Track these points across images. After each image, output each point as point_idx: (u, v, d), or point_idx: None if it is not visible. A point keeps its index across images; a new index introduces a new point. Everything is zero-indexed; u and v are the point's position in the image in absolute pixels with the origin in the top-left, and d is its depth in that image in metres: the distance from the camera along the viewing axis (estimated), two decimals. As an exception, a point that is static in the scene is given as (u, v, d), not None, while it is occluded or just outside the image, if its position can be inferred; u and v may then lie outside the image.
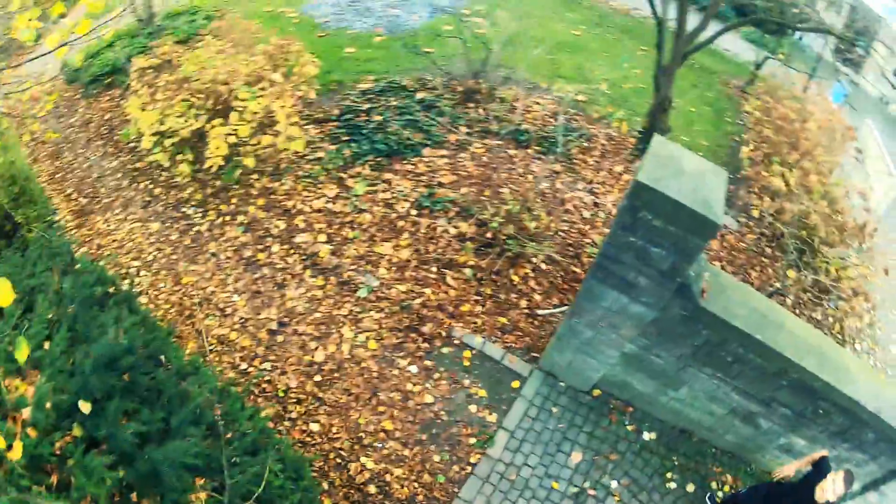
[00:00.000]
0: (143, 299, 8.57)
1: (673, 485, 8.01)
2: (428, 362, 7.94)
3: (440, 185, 9.06)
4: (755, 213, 9.83)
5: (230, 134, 8.37)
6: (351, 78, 10.94)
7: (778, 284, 9.21)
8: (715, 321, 6.41)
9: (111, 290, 5.70)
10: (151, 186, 9.69)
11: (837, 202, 9.44)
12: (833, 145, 11.09)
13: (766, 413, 7.48)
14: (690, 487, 8.04)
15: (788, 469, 6.73)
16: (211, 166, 8.51)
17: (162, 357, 5.27)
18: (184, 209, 9.23)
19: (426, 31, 12.94)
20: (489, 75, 10.75)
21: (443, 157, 9.51)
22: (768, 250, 10.42)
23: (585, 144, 10.67)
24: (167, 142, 8.74)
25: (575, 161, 10.23)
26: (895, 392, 7.80)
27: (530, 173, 9.38)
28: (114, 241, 9.36)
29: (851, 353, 10.58)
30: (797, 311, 9.76)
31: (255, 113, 8.50)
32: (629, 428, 8.10)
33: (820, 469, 6.28)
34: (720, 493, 8.17)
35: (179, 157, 8.90)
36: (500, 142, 9.82)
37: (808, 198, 9.27)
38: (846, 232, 9.23)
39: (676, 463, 8.13)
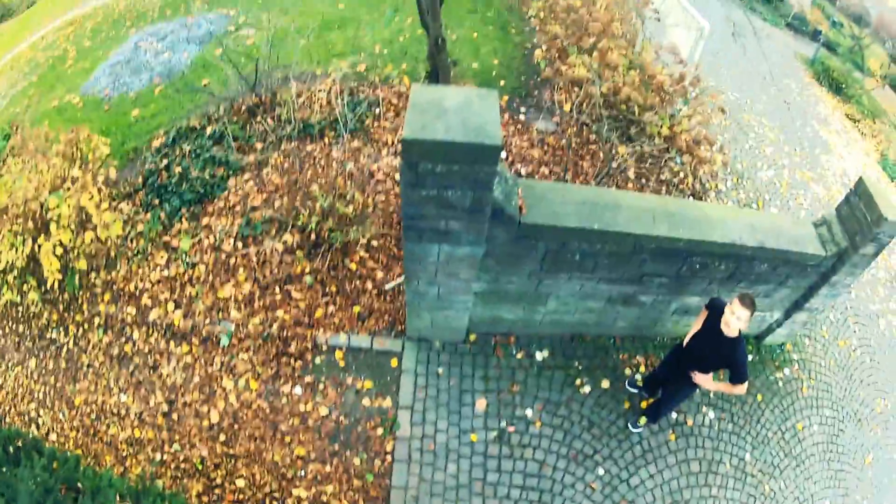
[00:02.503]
0: (52, 436, 8.47)
1: (587, 388, 8.19)
2: (308, 378, 7.96)
3: (253, 209, 8.97)
4: (567, 108, 9.79)
5: (56, 245, 8.21)
6: (144, 140, 10.73)
7: (615, 164, 9.19)
8: (544, 230, 6.40)
9: (19, 443, 5.72)
10: (15, 326, 9.49)
11: (647, 68, 9.41)
12: (628, 16, 11.07)
13: (643, 290, 7.59)
14: (605, 384, 8.29)
15: (693, 328, 6.81)
16: (52, 283, 8.35)
17: (79, 484, 5.32)
18: (48, 335, 9.05)
19: (198, 63, 12.73)
20: (266, 83, 10.58)
21: (247, 181, 9.40)
22: (592, 137, 10.44)
23: (377, 111, 10.58)
24: (9, 277, 8.61)
25: (371, 131, 10.15)
26: (770, 218, 8.03)
27: (332, 161, 9.29)
28: (6, 393, 9.21)
29: (715, 197, 10.75)
30: (643, 182, 9.88)
31: (70, 216, 8.32)
32: (519, 356, 8.23)
33: (714, 308, 6.36)
34: (638, 377, 8.27)
35: (25, 286, 8.72)
36: (295, 143, 9.69)
37: (614, 74, 9.23)
38: (665, 91, 9.21)
39: (581, 367, 8.37)
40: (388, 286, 8.33)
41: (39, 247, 8.23)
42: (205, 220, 9.14)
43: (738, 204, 11.43)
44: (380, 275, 8.49)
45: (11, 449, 5.54)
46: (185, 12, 14.95)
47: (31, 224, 8.44)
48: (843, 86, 21.29)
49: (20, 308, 9.38)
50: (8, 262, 8.44)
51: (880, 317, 11.08)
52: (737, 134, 13.29)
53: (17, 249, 8.38)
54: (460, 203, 5.62)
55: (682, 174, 10.26)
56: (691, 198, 10.68)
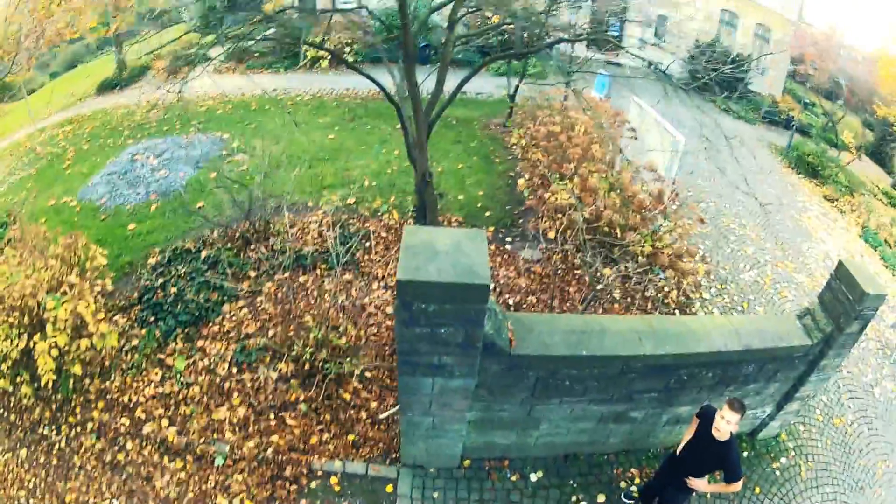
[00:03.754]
0: None
1: None
2: (303, 502, 8.08)
3: (248, 336, 9.34)
4: (552, 236, 10.12)
5: (52, 347, 8.38)
6: (139, 256, 11.13)
7: (600, 286, 9.50)
8: (533, 360, 6.65)
9: None
10: (7, 414, 9.56)
11: (627, 188, 9.79)
12: (607, 138, 11.48)
13: (633, 406, 7.77)
14: (601, 498, 8.32)
15: (685, 437, 6.98)
16: (46, 382, 8.49)
17: None
18: (39, 430, 9.15)
19: (194, 185, 13.15)
20: (260, 212, 10.97)
21: (241, 308, 9.82)
22: (577, 262, 10.83)
23: (367, 244, 11.00)
24: (3, 366, 8.69)
25: (362, 264, 10.55)
26: (753, 320, 8.26)
27: (325, 293, 9.58)
28: None
29: (700, 306, 11.03)
30: (629, 301, 10.13)
31: (66, 320, 8.51)
32: (513, 478, 8.31)
33: (705, 416, 6.53)
34: (633, 488, 8.40)
35: (18, 379, 8.83)
36: (287, 273, 10.05)
37: (595, 198, 9.58)
38: (646, 209, 9.55)
39: (576, 485, 8.40)
40: (382, 416, 8.63)
41: (35, 344, 8.40)
42: (199, 343, 9.49)
43: (723, 309, 11.77)
44: (374, 405, 8.81)
45: None
46: (181, 130, 15.30)
47: (26, 319, 8.62)
48: (819, 168, 21.99)
49: (13, 398, 9.45)
50: (2, 352, 8.55)
51: (875, 385, 11.27)
52: (718, 240, 13.70)
53: (11, 341, 8.51)
54: (453, 339, 5.86)
55: (666, 289, 10.64)
56: (677, 311, 11.04)
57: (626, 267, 9.39)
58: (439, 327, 5.72)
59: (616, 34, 27.19)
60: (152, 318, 9.84)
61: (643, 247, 9.38)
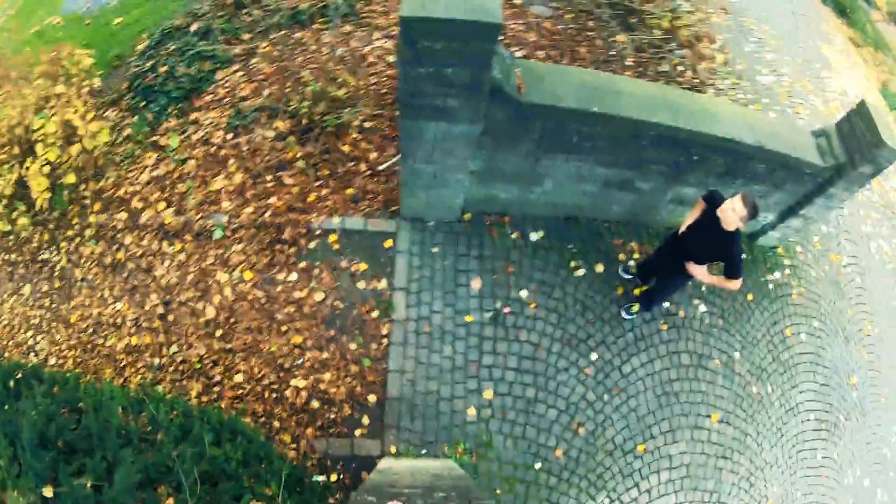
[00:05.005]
0: (51, 360, 8.40)
1: (581, 271, 8.10)
2: (303, 264, 7.81)
3: (243, 99, 8.78)
4: None
5: (43, 165, 8.07)
6: (128, 46, 10.47)
7: (613, 52, 9.03)
8: (542, 110, 6.30)
9: (19, 375, 5.78)
10: (7, 256, 9.39)
11: None
12: None
13: (640, 176, 7.46)
14: (600, 268, 8.19)
15: (689, 218, 6.72)
16: (42, 205, 8.24)
17: (80, 404, 5.33)
18: (40, 257, 8.93)
19: None
20: None
21: (236, 72, 9.19)
22: (591, 23, 10.24)
23: None
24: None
25: (363, 14, 9.92)
26: (770, 121, 7.94)
27: (323, 46, 9.12)
28: (3, 326, 9.12)
29: (714, 95, 10.63)
30: (641, 72, 9.67)
31: (56, 133, 8.16)
32: (514, 236, 8.12)
33: (712, 201, 6.23)
34: (632, 263, 8.18)
35: (14, 214, 8.58)
36: (284, 31, 9.50)
37: None
38: None
39: (575, 250, 8.26)
40: (382, 166, 8.15)
41: (27, 169, 8.09)
42: (193, 116, 8.91)
43: (737, 103, 11.20)
44: (373, 155, 8.29)
45: (12, 383, 5.56)
46: None
47: (16, 149, 8.28)
48: (849, 10, 21.14)
49: (10, 238, 9.26)
50: (-3, 192, 8.28)
51: (871, 239, 10.92)
52: (738, 36, 13.00)
53: (3, 178, 8.24)
54: (458, 80, 5.50)
55: (680, 68, 10.09)
56: (690, 91, 10.45)
57: (642, 37, 8.92)
58: (445, 67, 5.34)
59: None
60: (143, 103, 9.16)
61: (661, 20, 8.91)
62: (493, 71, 5.62)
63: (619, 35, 8.65)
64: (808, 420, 8.55)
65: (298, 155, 8.20)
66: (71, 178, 8.39)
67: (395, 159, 8.01)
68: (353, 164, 8.23)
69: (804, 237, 9.68)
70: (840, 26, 19.38)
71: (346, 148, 8.29)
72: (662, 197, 7.91)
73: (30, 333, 8.66)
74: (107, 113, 9.32)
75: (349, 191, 8.08)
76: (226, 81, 9.11)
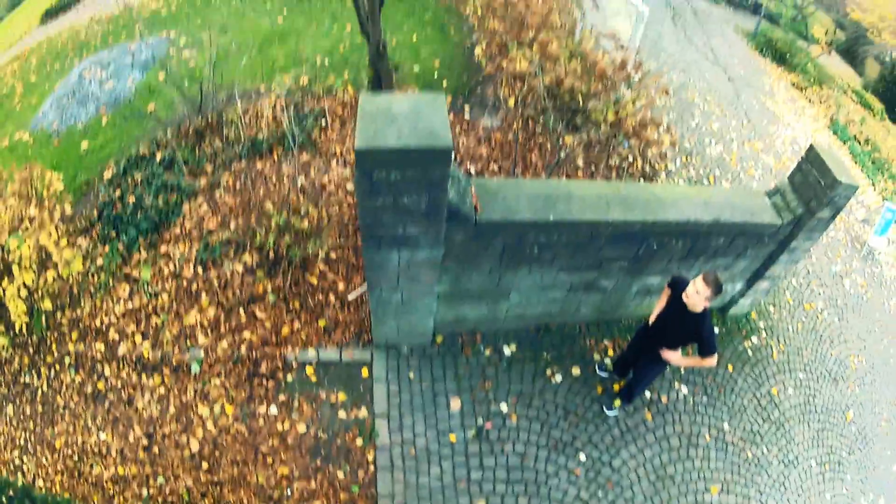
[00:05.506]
0: (38, 482, 8.38)
1: (558, 377, 8.30)
2: (282, 397, 7.92)
3: (210, 232, 8.93)
4: (511, 103, 9.70)
5: (20, 288, 8.14)
6: (95, 172, 10.62)
7: (563, 154, 9.15)
8: (500, 226, 6.50)
9: (10, 493, 6.10)
10: None
11: (589, 56, 9.34)
12: (566, 6, 11.04)
13: (603, 274, 7.72)
14: (576, 370, 8.38)
15: (657, 307, 6.91)
16: (20, 327, 8.29)
17: None
18: (21, 380, 8.95)
19: (143, 89, 12.61)
20: (212, 104, 10.49)
21: (201, 204, 9.33)
22: (539, 130, 10.41)
23: (323, 122, 10.51)
24: None
25: (320, 144, 10.09)
26: (723, 192, 8.13)
27: (283, 176, 9.22)
28: None
29: (665, 178, 10.81)
30: (593, 169, 9.89)
31: (30, 256, 8.23)
32: (487, 353, 8.35)
33: (676, 286, 6.44)
34: (607, 360, 8.31)
35: None
36: (245, 162, 9.60)
37: (556, 65, 9.15)
38: (608, 77, 9.14)
39: (550, 357, 8.51)
40: (351, 296, 8.29)
41: (4, 290, 8.14)
42: (163, 248, 9.07)
43: (688, 182, 11.58)
44: (341, 286, 8.47)
45: (4, 499, 5.61)
46: (126, 38, 14.80)
47: None
48: (788, 55, 21.42)
49: None
50: (-28, 310, 8.30)
51: (843, 277, 11.29)
52: (682, 113, 13.40)
53: None
54: (416, 207, 5.65)
55: (630, 158, 10.44)
56: (642, 180, 10.83)
57: (588, 135, 9.03)
58: (402, 195, 5.51)
59: None
60: (114, 233, 9.31)
61: (606, 115, 9.00)
62: (449, 195, 5.78)
63: (566, 136, 8.73)
64: (810, 467, 8.69)
65: (268, 288, 8.36)
66: (47, 304, 8.51)
67: (362, 289, 8.12)
68: (322, 294, 8.44)
69: (775, 295, 9.95)
70: (782, 74, 19.94)
71: (313, 280, 8.47)
72: (628, 291, 8.16)
73: (16, 453, 8.65)
74: (79, 240, 9.37)
75: (321, 322, 8.24)
76: (192, 214, 9.24)
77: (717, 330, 8.94)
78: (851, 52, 33.92)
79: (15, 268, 8.14)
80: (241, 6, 15.80)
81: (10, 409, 8.86)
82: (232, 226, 8.75)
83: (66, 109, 12.70)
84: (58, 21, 20.96)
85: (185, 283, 8.69)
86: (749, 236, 7.71)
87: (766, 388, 8.93)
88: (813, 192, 7.47)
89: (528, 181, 7.27)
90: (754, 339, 9.37)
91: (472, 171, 10.01)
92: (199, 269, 8.72)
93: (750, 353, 9.20)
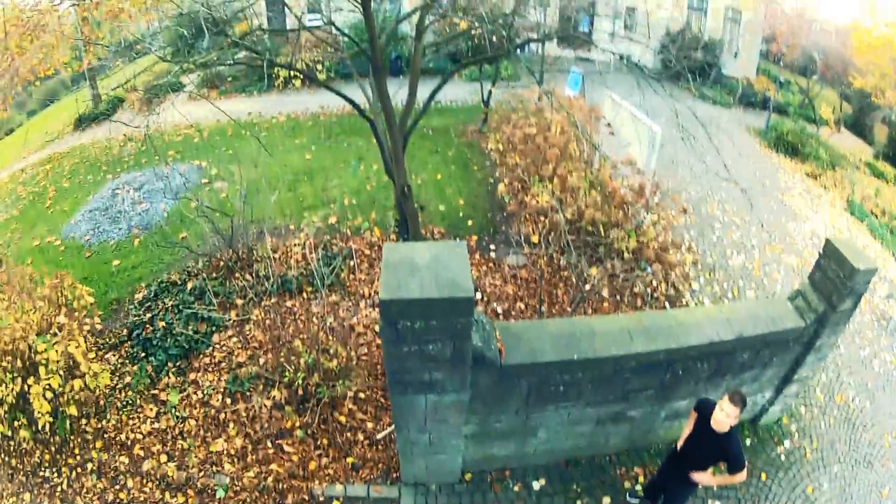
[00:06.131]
0: None
1: None
2: (308, 529, 8.06)
3: (239, 365, 9.38)
4: (535, 240, 10.09)
5: (46, 389, 8.37)
6: (126, 291, 11.16)
7: (588, 287, 9.51)
8: (524, 368, 6.62)
9: None
10: (7, 459, 9.53)
11: (607, 184, 9.81)
12: (583, 135, 11.54)
13: (630, 405, 7.73)
14: (606, 500, 8.27)
15: (685, 432, 6.93)
16: (44, 425, 8.50)
17: None
18: (41, 473, 9.11)
19: (175, 216, 13.19)
20: (242, 238, 11.07)
21: (230, 337, 9.83)
22: (563, 263, 10.91)
23: (352, 263, 11.15)
24: (0, 411, 8.62)
25: (347, 284, 10.54)
26: (745, 306, 8.16)
27: (312, 316, 9.62)
28: None
29: (690, 297, 11.02)
30: (618, 298, 10.12)
31: (57, 361, 8.52)
32: (516, 489, 8.28)
33: (702, 410, 6.48)
34: (638, 487, 8.39)
35: (16, 423, 8.81)
36: (274, 299, 10.09)
37: (575, 198, 9.59)
38: (628, 203, 9.57)
39: (580, 490, 8.36)
40: (379, 435, 8.63)
41: (29, 387, 8.39)
42: (192, 376, 9.50)
43: (713, 297, 11.79)
44: (370, 425, 8.80)
45: None
46: (158, 161, 15.32)
47: (19, 362, 8.58)
48: (799, 145, 22.20)
49: (12, 443, 9.44)
50: (-2, 396, 8.63)
51: (874, 358, 11.28)
52: (703, 228, 13.71)
53: (6, 386, 8.48)
54: (441, 355, 5.82)
55: (654, 283, 10.71)
56: (667, 304, 11.09)
57: (612, 265, 9.41)
58: (427, 343, 5.68)
59: (586, 29, 27.36)
60: (143, 354, 9.84)
61: (628, 243, 9.39)
62: (473, 340, 5.97)
63: (591, 269, 9.13)
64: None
65: (297, 424, 8.73)
66: (73, 410, 8.77)
67: (390, 429, 8.41)
68: (350, 432, 8.77)
69: (805, 395, 9.94)
70: (795, 166, 20.44)
71: (342, 418, 8.83)
72: (657, 417, 8.21)
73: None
74: (108, 355, 9.70)
75: (349, 459, 8.55)
76: (222, 345, 9.67)
77: (748, 441, 9.07)
78: (859, 123, 34.64)
79: (42, 369, 8.43)
80: (270, 139, 16.41)
81: (27, 496, 8.99)
82: (261, 361, 9.15)
83: (98, 224, 13.27)
84: (91, 130, 21.73)
85: (212, 412, 9.07)
86: (774, 345, 7.68)
87: (800, 489, 8.79)
88: (833, 286, 7.41)
89: (551, 322, 7.52)
90: (787, 443, 9.28)
91: (499, 310, 10.39)
92: (228, 400, 9.14)
93: (783, 458, 9.09)
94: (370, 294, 10.36)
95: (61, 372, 8.53)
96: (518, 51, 16.66)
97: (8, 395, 8.44)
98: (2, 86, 20.71)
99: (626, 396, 7.48)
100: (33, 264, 11.05)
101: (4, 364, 8.53)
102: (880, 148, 31.92)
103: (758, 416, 9.24)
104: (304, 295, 10.33)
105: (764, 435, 9.30)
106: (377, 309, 9.76)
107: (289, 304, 10.23)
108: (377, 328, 9.58)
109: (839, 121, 30.70)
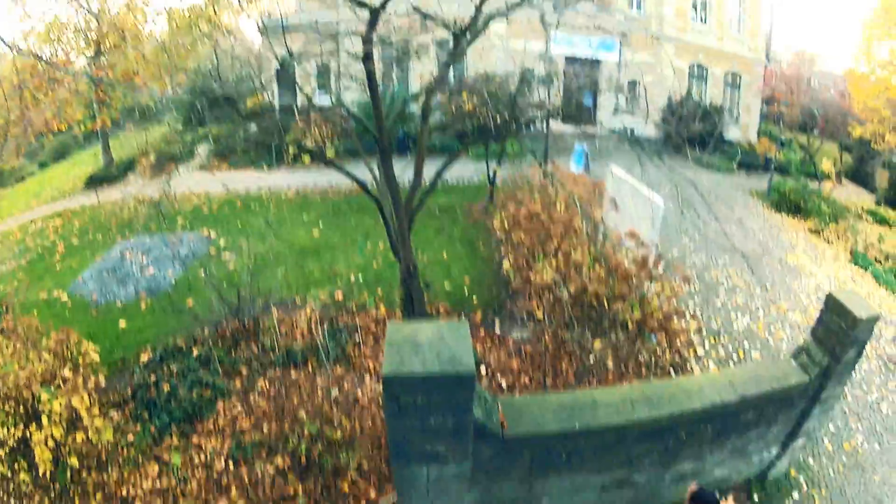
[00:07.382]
0: None
1: None
2: None
3: (242, 431, 9.60)
4: (539, 316, 10.37)
5: (48, 438, 8.52)
6: (131, 353, 11.37)
7: (592, 359, 9.75)
8: (527, 440, 6.74)
9: None
10: (6, 499, 9.53)
11: (611, 258, 10.11)
12: (589, 210, 11.93)
13: (634, 470, 7.73)
14: None
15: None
16: (44, 472, 8.61)
17: None
18: None
19: (182, 284, 13.47)
20: (249, 310, 11.47)
21: (235, 404, 10.04)
22: (567, 336, 11.10)
23: (357, 338, 11.42)
24: (1, 453, 8.74)
25: (353, 358, 10.82)
26: (747, 368, 8.41)
27: (317, 387, 9.98)
28: None
29: (695, 363, 11.27)
30: (623, 369, 10.30)
31: (60, 413, 8.70)
32: None
33: (700, 500, 6.29)
34: None
35: (16, 465, 8.91)
36: (279, 370, 10.42)
37: (579, 273, 9.89)
38: (631, 276, 9.84)
39: None
40: (382, 505, 8.72)
41: (31, 434, 8.56)
42: (195, 439, 9.71)
43: (718, 362, 11.84)
44: (373, 494, 8.94)
45: None
46: (167, 229, 15.73)
47: (21, 409, 8.81)
48: (801, 203, 22.77)
49: (11, 484, 9.47)
50: (-1, 439, 8.72)
51: (881, 402, 11.32)
52: (707, 295, 13.90)
53: (7, 429, 8.65)
54: (443, 427, 5.94)
55: (658, 351, 10.78)
56: (672, 371, 11.18)
57: (615, 336, 9.60)
58: (429, 417, 5.85)
59: (589, 105, 28.09)
60: (146, 414, 10.06)
61: (632, 314, 9.60)
62: (474, 413, 6.06)
63: (595, 342, 9.35)
64: None
65: (299, 491, 8.85)
66: (74, 461, 8.90)
67: (393, 500, 8.51)
68: (353, 501, 8.78)
69: (813, 446, 9.90)
70: (798, 224, 20.83)
71: (345, 487, 8.94)
72: (662, 481, 8.11)
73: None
74: (111, 412, 9.82)
75: (353, 528, 8.55)
76: (226, 412, 9.85)
77: (755, 497, 8.99)
78: (860, 172, 35.54)
79: (44, 418, 8.62)
80: (278, 214, 16.86)
81: (29, 536, 9.00)
82: (265, 429, 9.36)
83: (105, 284, 13.60)
84: (102, 190, 22.16)
85: (215, 475, 9.21)
86: (777, 402, 7.76)
87: (811, 535, 8.70)
88: (837, 338, 7.48)
89: (554, 395, 7.69)
90: (795, 495, 9.18)
91: (504, 384, 10.57)
92: (231, 465, 9.29)
93: (793, 509, 9.01)
94: (375, 368, 10.59)
95: (64, 423, 8.74)
96: (523, 128, 17.32)
97: (9, 438, 8.63)
98: (15, 134, 21.35)
99: (631, 462, 7.54)
100: (39, 316, 11.29)
101: (7, 408, 8.74)
102: (882, 194, 32.84)
103: (765, 471, 9.20)
104: (310, 367, 10.61)
105: (772, 490, 9.21)
106: (381, 382, 10.04)
107: (293, 375, 10.50)
108: (381, 401, 9.80)
109: (840, 173, 31.37)
